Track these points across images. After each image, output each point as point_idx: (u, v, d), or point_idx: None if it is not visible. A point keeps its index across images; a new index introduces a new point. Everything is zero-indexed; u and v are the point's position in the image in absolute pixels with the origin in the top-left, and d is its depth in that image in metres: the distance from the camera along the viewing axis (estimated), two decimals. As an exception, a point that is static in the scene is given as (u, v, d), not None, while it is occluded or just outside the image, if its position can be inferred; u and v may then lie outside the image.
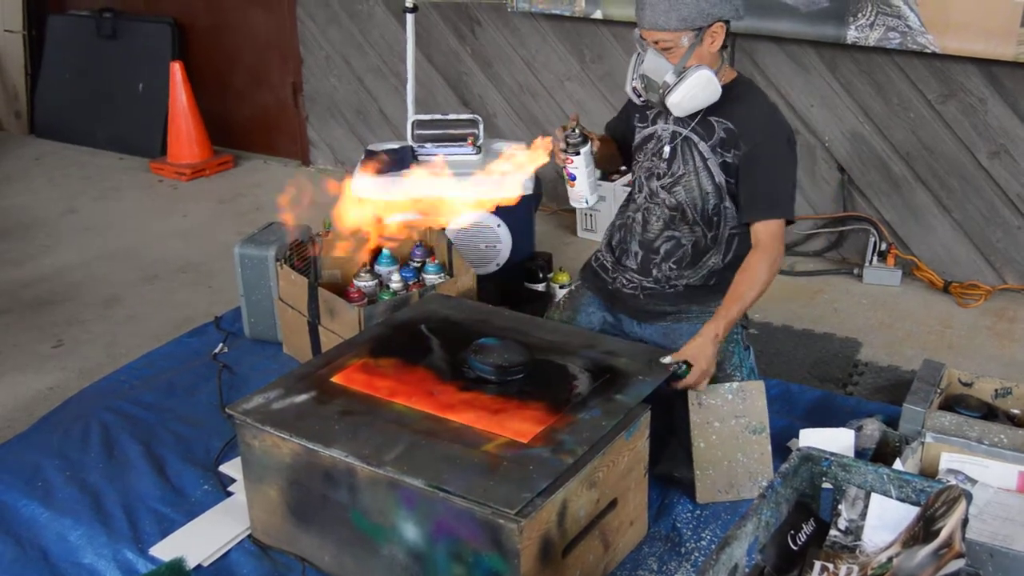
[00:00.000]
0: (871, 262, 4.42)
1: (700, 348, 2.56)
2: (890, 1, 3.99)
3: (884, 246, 4.41)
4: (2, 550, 2.48)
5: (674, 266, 2.81)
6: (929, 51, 4.03)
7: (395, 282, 3.30)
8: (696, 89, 2.58)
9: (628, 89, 2.74)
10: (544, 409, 2.36)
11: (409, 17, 4.42)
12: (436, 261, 3.41)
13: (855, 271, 4.46)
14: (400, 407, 2.38)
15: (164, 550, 2.44)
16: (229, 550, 2.45)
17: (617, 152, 3.00)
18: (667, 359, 2.58)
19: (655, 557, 2.46)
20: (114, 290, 4.40)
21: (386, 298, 3.19)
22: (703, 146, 2.71)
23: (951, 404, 2.85)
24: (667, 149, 2.76)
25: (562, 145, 2.70)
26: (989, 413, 2.82)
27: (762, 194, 2.66)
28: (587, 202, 2.81)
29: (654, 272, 2.83)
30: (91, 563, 2.44)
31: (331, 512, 2.30)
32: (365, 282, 3.28)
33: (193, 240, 4.97)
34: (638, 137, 2.87)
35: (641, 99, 2.73)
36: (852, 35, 4.13)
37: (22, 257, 4.76)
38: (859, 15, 4.08)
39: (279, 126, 6.15)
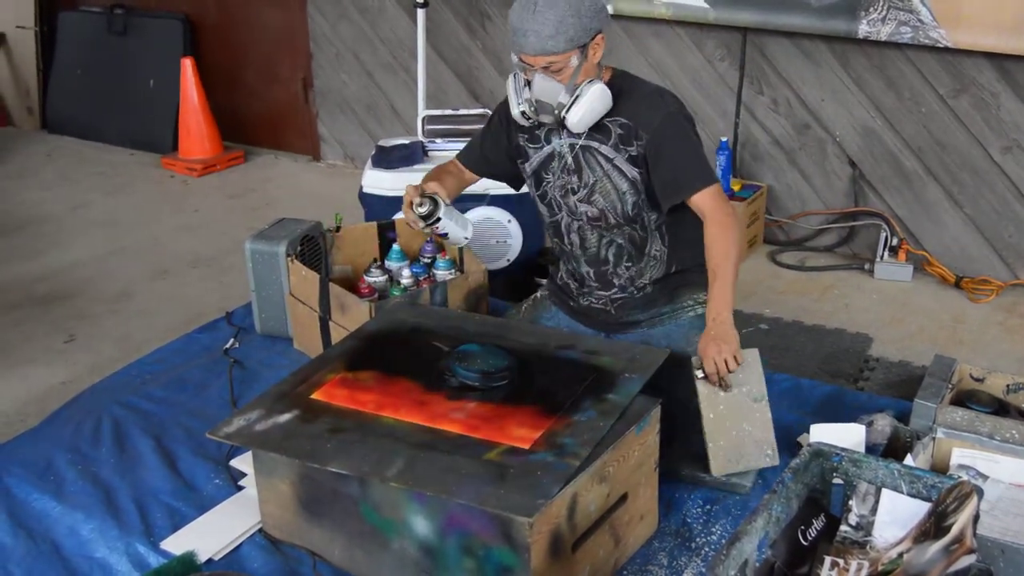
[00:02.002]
0: (882, 257, 4.41)
1: (711, 340, 2.53)
2: (902, -5, 3.99)
3: (895, 241, 4.40)
4: (14, 544, 2.49)
5: (628, 264, 2.82)
6: (941, 45, 4.02)
7: (406, 278, 3.30)
8: (594, 103, 2.59)
9: (516, 114, 2.68)
10: (537, 413, 2.33)
11: (419, 12, 4.43)
12: (447, 257, 3.41)
13: (866, 266, 4.46)
14: (390, 420, 2.33)
15: (175, 544, 2.44)
16: (240, 544, 2.46)
17: (461, 180, 2.99)
18: (700, 372, 2.55)
19: (665, 552, 2.46)
20: (125, 285, 4.41)
21: (397, 294, 3.19)
22: (604, 148, 2.70)
23: (962, 400, 2.84)
24: (569, 161, 2.74)
25: (420, 225, 2.70)
26: (1001, 409, 2.81)
27: (683, 170, 2.64)
28: (466, 239, 2.84)
29: (614, 280, 2.84)
30: (103, 557, 2.45)
31: (341, 506, 2.30)
32: (376, 277, 3.27)
33: (204, 235, 4.99)
34: (536, 159, 2.82)
35: (530, 121, 2.68)
36: (864, 30, 4.12)
37: (34, 252, 4.78)
38: (871, 9, 4.07)
39: (290, 122, 6.16)
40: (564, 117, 2.60)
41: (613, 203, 2.73)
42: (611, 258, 2.82)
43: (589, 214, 2.77)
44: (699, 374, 2.57)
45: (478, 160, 2.98)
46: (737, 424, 2.61)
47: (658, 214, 2.75)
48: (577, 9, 2.50)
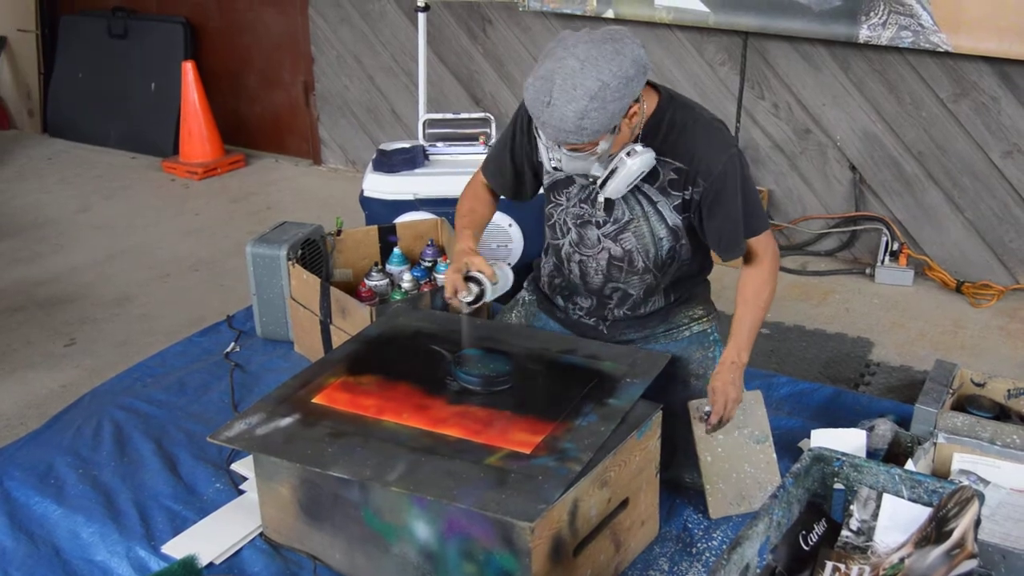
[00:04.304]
0: (883, 262, 4.41)
1: (723, 385, 2.44)
2: (903, 0, 3.99)
3: (896, 246, 4.40)
4: (15, 547, 2.49)
5: (628, 310, 2.68)
6: (942, 50, 4.02)
7: (406, 281, 3.30)
8: (631, 178, 2.36)
9: (548, 168, 2.43)
10: (538, 418, 2.32)
11: (421, 16, 4.43)
12: (447, 260, 3.41)
13: (867, 271, 4.46)
14: (391, 424, 2.32)
15: (176, 548, 2.44)
16: (241, 548, 2.46)
17: (495, 201, 2.79)
18: (706, 408, 2.48)
19: (666, 557, 2.45)
20: (126, 289, 4.41)
21: (397, 297, 3.20)
22: (652, 192, 2.47)
23: (963, 404, 2.84)
24: (601, 200, 2.49)
25: (467, 311, 2.53)
26: (1002, 414, 2.81)
27: (746, 218, 2.45)
28: (508, 285, 2.61)
29: (608, 316, 2.71)
30: (103, 560, 2.45)
31: (342, 511, 2.30)
32: (376, 281, 3.28)
33: (205, 239, 4.99)
34: (549, 178, 2.61)
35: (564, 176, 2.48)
36: (864, 34, 4.13)
37: (35, 256, 4.78)
38: (871, 14, 4.07)
39: (290, 125, 6.16)
40: (601, 188, 2.40)
41: (645, 246, 2.54)
42: (614, 299, 2.67)
43: (612, 252, 2.56)
44: (696, 415, 2.55)
45: (498, 173, 2.71)
46: (738, 466, 2.59)
47: (690, 259, 2.61)
48: (601, 99, 2.16)
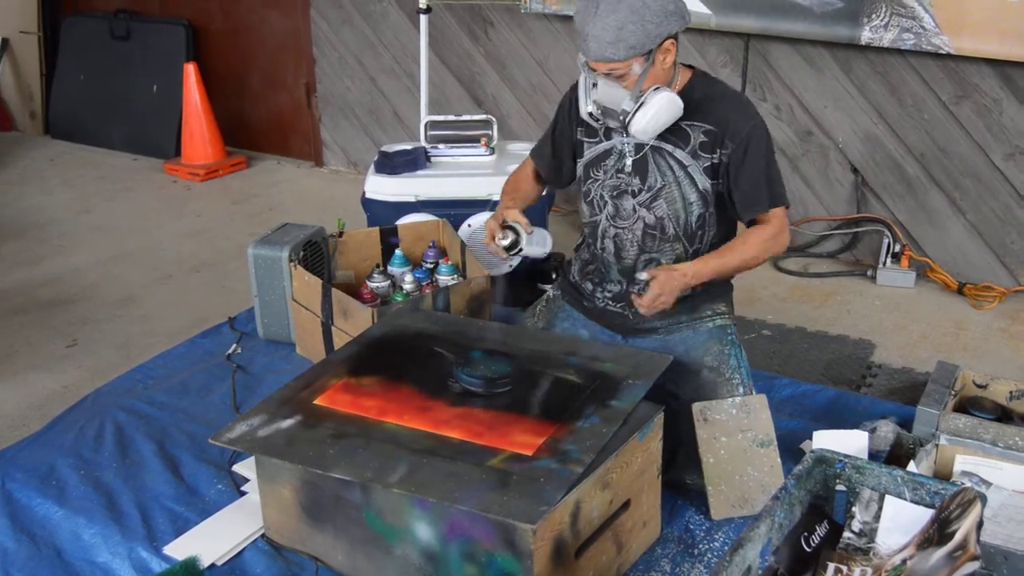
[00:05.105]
0: (885, 263, 4.41)
1: (668, 278, 2.53)
2: (904, 2, 3.99)
3: (898, 247, 4.40)
4: (17, 548, 2.49)
5: None
6: (943, 52, 4.02)
7: (408, 283, 3.30)
8: (660, 112, 2.51)
9: (584, 114, 2.62)
10: (541, 420, 2.32)
11: (423, 18, 4.43)
12: (449, 262, 3.41)
13: (869, 273, 4.46)
14: (393, 426, 2.32)
15: (178, 549, 2.44)
16: (243, 549, 2.46)
17: (540, 185, 3.01)
18: (642, 275, 2.54)
19: (668, 559, 2.45)
20: (128, 290, 4.42)
21: (399, 299, 3.20)
22: (680, 153, 2.63)
23: (965, 406, 2.84)
24: (629, 162, 2.67)
25: (503, 256, 2.72)
26: (1004, 415, 2.81)
27: (765, 186, 2.59)
28: (545, 253, 2.83)
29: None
30: (105, 562, 2.45)
31: (344, 512, 2.30)
32: (378, 283, 3.28)
33: (207, 240, 4.99)
34: (589, 154, 2.76)
35: (599, 122, 2.64)
36: (866, 36, 4.13)
37: (37, 257, 4.78)
38: (873, 16, 4.08)
39: (292, 127, 6.17)
40: (628, 124, 2.54)
41: (676, 212, 2.66)
42: None
43: (647, 220, 2.69)
44: (699, 416, 2.57)
45: (545, 156, 2.93)
46: (740, 469, 2.59)
47: (715, 231, 2.71)
48: (641, 15, 2.41)
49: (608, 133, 2.71)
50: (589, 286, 2.88)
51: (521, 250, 2.72)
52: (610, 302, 2.83)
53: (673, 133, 2.61)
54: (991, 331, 3.98)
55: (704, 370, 2.70)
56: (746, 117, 2.59)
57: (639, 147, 2.66)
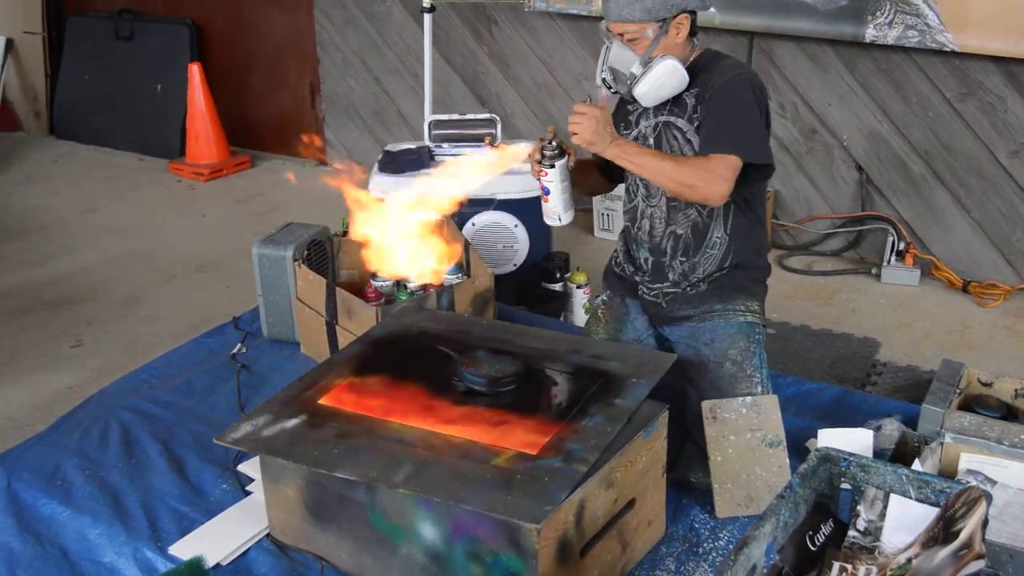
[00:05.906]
0: (889, 262, 4.41)
1: (601, 115, 2.54)
2: (909, 0, 3.98)
3: (902, 246, 4.40)
4: (22, 548, 2.49)
5: (683, 259, 2.80)
6: (948, 49, 4.01)
7: (412, 282, 3.30)
8: (663, 78, 2.61)
9: (598, 81, 2.74)
10: (545, 419, 2.32)
11: (426, 17, 4.43)
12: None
13: (873, 271, 4.45)
14: (397, 426, 2.32)
15: (183, 549, 2.44)
16: (248, 549, 2.46)
17: (600, 177, 3.00)
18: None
19: (673, 557, 2.45)
20: (133, 290, 4.42)
21: (403, 298, 3.19)
22: (681, 122, 2.71)
23: (970, 404, 2.83)
24: (651, 142, 2.76)
25: (537, 156, 2.69)
26: (1009, 413, 2.80)
27: (729, 128, 2.59)
28: (560, 220, 2.76)
29: (669, 275, 2.82)
30: (111, 561, 2.45)
31: (349, 512, 2.30)
32: (382, 282, 3.28)
33: (211, 240, 5.00)
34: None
35: (612, 91, 2.73)
36: (871, 34, 4.12)
37: (42, 257, 4.79)
38: (878, 13, 4.07)
39: (297, 127, 6.17)
40: (633, 87, 2.63)
41: None
42: (668, 249, 2.81)
43: (666, 192, 2.76)
44: (709, 415, 2.57)
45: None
46: (748, 468, 2.58)
47: (732, 211, 2.75)
48: None
49: (638, 120, 2.79)
50: (630, 270, 2.95)
51: (554, 167, 2.65)
52: (645, 291, 2.89)
53: (676, 104, 2.70)
54: (996, 329, 3.97)
55: (727, 363, 2.72)
56: (727, 74, 2.65)
57: (655, 127, 2.75)
